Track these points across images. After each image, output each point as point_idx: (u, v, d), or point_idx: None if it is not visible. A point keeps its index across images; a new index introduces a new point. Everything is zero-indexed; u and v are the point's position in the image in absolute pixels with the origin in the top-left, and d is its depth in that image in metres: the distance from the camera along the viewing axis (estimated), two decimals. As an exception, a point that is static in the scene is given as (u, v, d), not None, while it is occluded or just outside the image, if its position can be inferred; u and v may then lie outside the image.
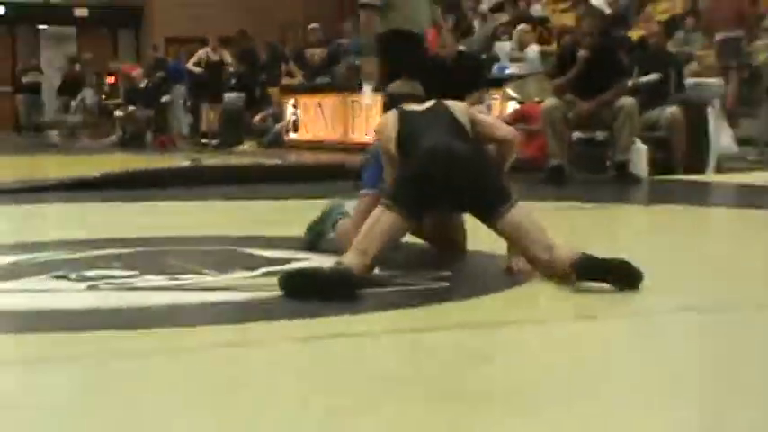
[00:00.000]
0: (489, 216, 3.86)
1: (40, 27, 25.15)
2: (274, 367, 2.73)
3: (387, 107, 4.45)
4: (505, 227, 3.82)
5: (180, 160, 11.73)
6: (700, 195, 7.64)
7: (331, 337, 3.00)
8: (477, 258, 4.41)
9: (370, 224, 3.86)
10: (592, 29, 8.26)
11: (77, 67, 21.72)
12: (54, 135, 19.97)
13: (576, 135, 8.80)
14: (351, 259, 3.73)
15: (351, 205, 4.66)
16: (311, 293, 3.46)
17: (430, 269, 4.06)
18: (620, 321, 3.29)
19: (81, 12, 24.51)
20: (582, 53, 8.18)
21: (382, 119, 4.30)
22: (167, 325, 3.22)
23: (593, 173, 8.93)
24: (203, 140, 16.23)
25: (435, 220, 4.42)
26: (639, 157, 8.45)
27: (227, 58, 16.38)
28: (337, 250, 4.16)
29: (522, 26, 12.40)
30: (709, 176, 8.84)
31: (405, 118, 4.18)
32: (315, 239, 4.71)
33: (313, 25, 17.69)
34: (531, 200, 4.52)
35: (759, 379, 2.54)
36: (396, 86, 4.55)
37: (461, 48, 9.82)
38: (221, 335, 3.08)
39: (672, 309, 3.40)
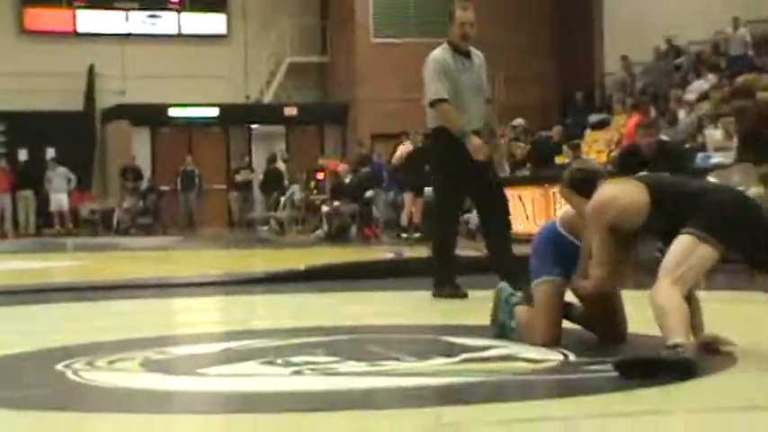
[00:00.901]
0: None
1: (252, 126, 26.29)
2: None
3: (575, 185, 4.44)
4: None
5: (383, 253, 11.98)
6: None
7: (529, 421, 3.04)
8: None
9: (681, 254, 3.92)
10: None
11: (279, 164, 22.53)
12: (264, 230, 20.71)
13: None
14: (674, 305, 3.78)
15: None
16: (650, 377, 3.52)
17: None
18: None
19: (290, 111, 25.49)
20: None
21: (606, 192, 4.23)
22: (363, 408, 3.32)
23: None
24: (404, 234, 16.49)
25: (596, 304, 4.46)
26: None
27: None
28: (524, 340, 4.34)
29: (730, 114, 12.17)
30: None
31: (659, 180, 4.24)
32: (500, 331, 4.73)
33: (516, 121, 17.85)
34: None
35: None
36: (581, 163, 4.56)
37: (663, 137, 9.72)
38: (416, 418, 3.16)
39: None
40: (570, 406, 3.26)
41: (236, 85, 25.89)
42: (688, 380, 3.54)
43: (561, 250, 4.48)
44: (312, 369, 4.05)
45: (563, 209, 4.75)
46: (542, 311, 4.50)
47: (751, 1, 21.17)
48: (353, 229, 18.01)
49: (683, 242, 3.96)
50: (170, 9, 25.81)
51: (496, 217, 7.03)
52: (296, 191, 21.00)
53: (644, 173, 4.45)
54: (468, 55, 7.01)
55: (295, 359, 4.25)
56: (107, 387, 3.80)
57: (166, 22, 25.78)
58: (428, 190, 16.70)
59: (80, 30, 25.28)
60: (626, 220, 4.16)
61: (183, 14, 25.83)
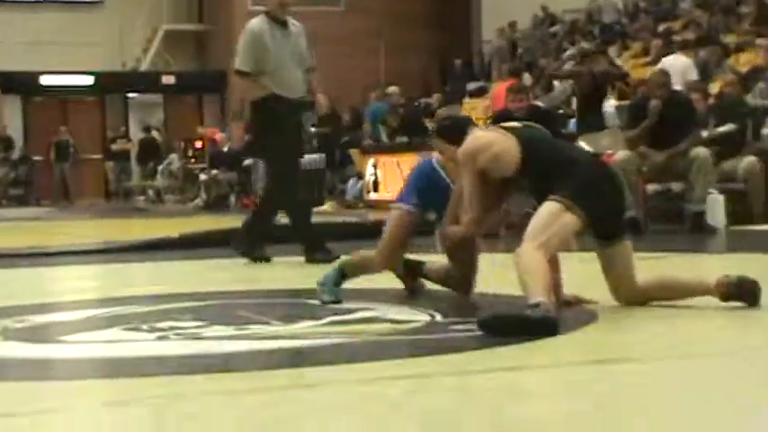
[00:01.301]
0: (613, 237, 4.18)
1: (129, 95, 25.83)
2: (323, 408, 2.79)
3: (444, 133, 4.52)
4: (623, 250, 4.19)
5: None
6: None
7: (387, 380, 3.06)
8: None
9: (546, 220, 3.98)
10: (663, 80, 8.27)
11: (154, 133, 22.23)
12: (141, 200, 20.41)
13: (652, 187, 8.77)
14: (533, 262, 3.84)
15: None
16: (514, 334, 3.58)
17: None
18: (661, 365, 3.28)
19: (168, 79, 25.13)
20: (654, 104, 8.19)
21: (481, 137, 4.29)
22: (226, 370, 3.30)
23: (669, 224, 8.88)
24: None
25: (459, 254, 4.63)
26: (716, 207, 8.39)
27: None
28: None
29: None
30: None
31: (530, 137, 4.28)
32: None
33: (391, 88, 17.90)
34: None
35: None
36: (449, 111, 4.65)
37: (536, 102, 9.84)
38: (275, 379, 3.15)
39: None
40: (430, 364, 3.29)
41: (112, 52, 25.38)
42: (548, 337, 3.60)
43: (431, 185, 4.68)
44: (177, 334, 4.01)
45: None
46: (387, 234, 4.76)
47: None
48: (232, 198, 17.87)
49: (548, 208, 4.03)
50: (44, -26, 25.15)
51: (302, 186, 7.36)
52: (173, 160, 20.74)
53: (516, 124, 4.48)
54: (285, 24, 7.07)
55: (160, 324, 4.21)
56: (-39, 356, 3.70)
57: (38, -14, 25.11)
58: (310, 157, 16.70)
59: (-54, -6, 24.49)
60: (497, 168, 4.21)
61: (56, -21, 25.19)
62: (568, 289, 4.37)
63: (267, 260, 7.01)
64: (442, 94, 19.67)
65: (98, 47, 24.79)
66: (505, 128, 4.37)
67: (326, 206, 15.50)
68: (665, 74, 8.53)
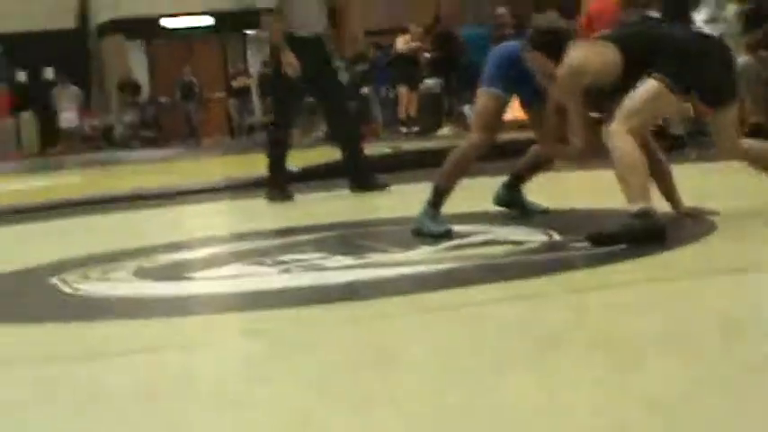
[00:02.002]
0: (720, 104, 4.13)
1: (247, 32, 26.08)
2: (438, 330, 2.86)
3: (543, 46, 4.38)
4: (727, 116, 4.15)
5: (381, 148, 12.00)
6: None
7: (509, 299, 3.11)
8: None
9: (644, 99, 3.96)
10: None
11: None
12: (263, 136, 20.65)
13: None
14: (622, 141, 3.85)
15: None
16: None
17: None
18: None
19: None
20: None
21: (576, 58, 4.19)
22: (348, 299, 3.40)
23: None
24: (403, 128, 16.48)
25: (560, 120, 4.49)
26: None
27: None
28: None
29: (717, -14, 12.03)
30: None
31: (626, 35, 4.24)
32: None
33: (500, 9, 17.65)
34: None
35: None
36: (548, 22, 4.50)
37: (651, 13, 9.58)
38: (394, 306, 3.24)
39: None
40: (545, 284, 3.33)
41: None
42: (663, 248, 3.61)
43: (518, 73, 4.51)
44: (300, 266, 4.12)
45: None
46: (481, 115, 4.69)
47: None
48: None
49: (647, 88, 3.98)
50: None
51: (342, 116, 7.35)
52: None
53: (607, 31, 4.42)
54: None
55: (284, 257, 4.33)
56: (98, 296, 3.89)
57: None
58: (426, 81, 16.70)
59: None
60: (599, 82, 4.16)
61: None
62: (689, 201, 4.34)
63: (290, 198, 7.05)
64: (560, 9, 19.31)
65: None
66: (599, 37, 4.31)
67: (444, 130, 15.50)
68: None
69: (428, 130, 15.70)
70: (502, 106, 4.70)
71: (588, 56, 4.17)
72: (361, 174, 7.20)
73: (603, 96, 4.21)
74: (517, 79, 4.57)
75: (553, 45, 4.32)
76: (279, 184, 7.11)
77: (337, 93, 7.44)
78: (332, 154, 9.30)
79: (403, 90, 16.64)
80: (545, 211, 4.95)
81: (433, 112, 16.37)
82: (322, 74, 7.13)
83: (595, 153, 4.39)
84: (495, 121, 4.70)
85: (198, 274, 4.19)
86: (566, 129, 4.36)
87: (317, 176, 8.43)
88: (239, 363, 2.75)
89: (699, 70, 4.05)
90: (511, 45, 4.78)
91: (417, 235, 4.53)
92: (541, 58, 4.36)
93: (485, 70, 4.76)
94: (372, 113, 18.43)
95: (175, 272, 4.29)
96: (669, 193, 4.33)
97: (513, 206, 5.02)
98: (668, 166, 4.36)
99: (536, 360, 2.42)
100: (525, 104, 4.80)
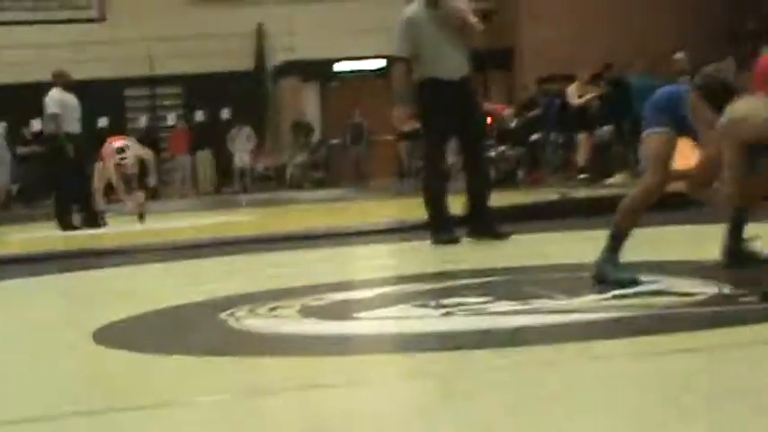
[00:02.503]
0: None
1: (417, 76, 26.38)
2: (610, 380, 2.81)
3: (708, 94, 4.35)
4: None
5: (549, 195, 11.94)
6: None
7: (681, 352, 3.05)
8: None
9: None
10: None
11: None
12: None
13: None
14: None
15: None
16: None
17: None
18: None
19: (455, 58, 25.45)
20: None
21: (739, 109, 4.16)
22: (512, 344, 3.38)
23: None
24: (581, 175, 16.26)
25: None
26: None
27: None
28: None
29: None
30: None
31: None
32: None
33: (678, 55, 17.36)
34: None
35: None
36: (722, 73, 4.42)
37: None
38: (562, 353, 3.20)
39: None
40: (717, 337, 3.24)
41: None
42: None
43: (682, 113, 4.48)
44: (463, 310, 4.12)
45: None
46: (653, 158, 4.59)
47: None
48: (520, 174, 17.92)
49: None
50: (332, -35, 26.02)
51: (478, 161, 7.33)
52: (460, 138, 20.98)
53: None
54: (435, 4, 7.08)
55: (447, 301, 4.34)
56: (265, 333, 3.97)
57: (331, -23, 26.01)
58: (598, 130, 16.55)
59: (246, -8, 25.83)
60: (760, 137, 4.06)
61: (346, -31, 26.01)
62: None
63: (456, 241, 7.00)
64: (734, 57, 18.90)
65: (386, 31, 25.44)
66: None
67: (615, 178, 15.29)
68: None
69: (598, 177, 15.52)
70: (671, 145, 4.63)
71: (752, 110, 4.08)
72: (484, 222, 7.13)
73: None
74: (682, 120, 4.52)
75: (719, 95, 4.29)
76: (444, 227, 7.12)
77: (477, 139, 7.42)
78: (502, 198, 9.32)
79: (583, 137, 16.44)
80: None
81: (604, 160, 16.19)
82: (465, 119, 7.14)
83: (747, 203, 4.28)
84: (668, 160, 4.63)
85: (362, 314, 4.23)
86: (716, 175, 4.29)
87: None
88: (403, 403, 2.76)
89: None
90: (672, 87, 4.78)
91: (600, 282, 4.46)
92: (702, 104, 4.33)
93: (645, 114, 4.72)
94: (541, 160, 18.33)
95: (340, 311, 4.34)
96: None
97: (742, 256, 4.78)
98: None
99: (704, 414, 2.35)
100: (697, 142, 4.71)
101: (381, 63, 25.66)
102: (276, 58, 25.39)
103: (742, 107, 4.11)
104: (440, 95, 7.05)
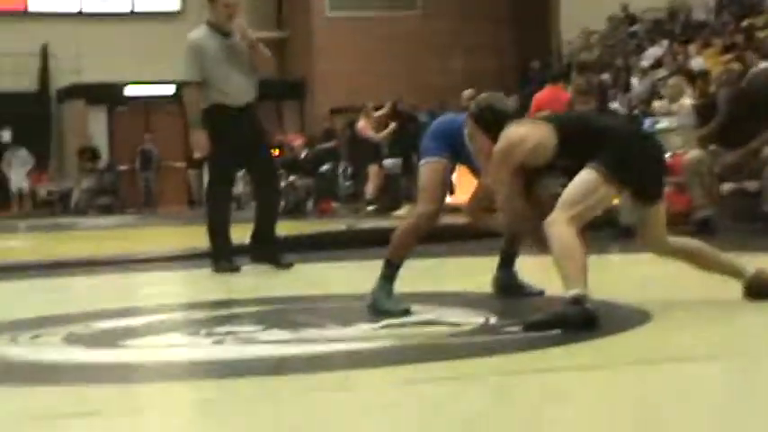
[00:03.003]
0: (651, 200, 4.21)
1: (211, 103, 26.17)
2: (362, 409, 2.82)
3: (482, 123, 4.37)
4: (657, 212, 4.24)
5: (336, 225, 12.02)
6: None
7: (431, 381, 3.08)
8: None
9: (583, 190, 4.01)
10: (731, 78, 8.16)
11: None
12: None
13: (727, 186, 8.64)
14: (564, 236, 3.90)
15: None
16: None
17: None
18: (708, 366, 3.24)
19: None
20: (722, 101, 8.09)
21: (513, 134, 4.22)
22: (275, 374, 3.35)
23: (744, 223, 8.73)
24: (370, 207, 16.44)
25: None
26: (793, 206, 8.22)
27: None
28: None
29: (672, 79, 12.26)
30: None
31: (564, 118, 4.34)
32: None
33: (467, 92, 17.86)
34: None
35: None
36: (494, 101, 4.45)
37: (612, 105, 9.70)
38: (321, 382, 3.19)
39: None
40: (473, 366, 3.31)
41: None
42: (595, 336, 3.61)
43: (461, 143, 4.52)
44: (234, 338, 4.07)
45: None
46: (425, 188, 4.64)
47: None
48: (309, 204, 18.01)
49: (587, 178, 4.02)
50: (122, -14, 25.57)
51: (267, 189, 7.29)
52: (252, 167, 20.92)
53: (548, 113, 4.50)
54: (229, 34, 7.10)
55: (219, 329, 4.28)
56: (23, 361, 3.81)
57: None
58: (387, 161, 16.81)
59: (31, 9, 25.05)
60: (533, 160, 4.18)
61: (136, -9, 25.62)
62: (629, 289, 4.35)
63: (236, 270, 6.96)
64: (520, 96, 19.59)
65: (179, 56, 25.13)
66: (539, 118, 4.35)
67: (402, 211, 15.54)
68: (732, 71, 8.41)
69: (387, 209, 15.75)
70: (446, 175, 4.69)
71: (523, 136, 4.19)
72: (268, 250, 7.11)
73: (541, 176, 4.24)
74: (461, 149, 4.58)
75: (492, 123, 4.33)
76: (224, 256, 7.05)
77: (266, 165, 7.39)
78: (289, 227, 9.31)
79: (373, 169, 16.59)
80: (540, 293, 4.86)
81: (393, 192, 16.45)
82: (253, 145, 7.11)
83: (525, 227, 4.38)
84: (441, 190, 4.69)
85: (129, 342, 4.12)
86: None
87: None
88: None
89: (637, 166, 4.11)
90: (449, 116, 4.83)
91: (373, 312, 4.49)
92: (479, 133, 4.38)
93: (423, 143, 4.76)
94: (332, 191, 18.46)
95: (107, 339, 4.22)
96: (722, 269, 4.34)
97: (511, 288, 4.94)
98: (702, 247, 4.39)
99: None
100: (474, 172, 4.81)
101: (172, 88, 25.36)
102: (62, 79, 24.70)
103: (515, 131, 4.22)
104: (226, 122, 6.99)
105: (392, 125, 16.98)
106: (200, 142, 6.97)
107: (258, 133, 7.23)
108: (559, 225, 3.93)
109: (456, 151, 4.65)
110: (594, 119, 4.39)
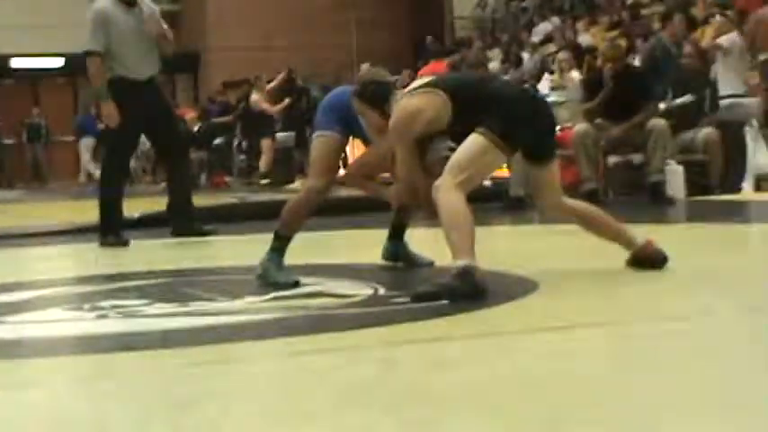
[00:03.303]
0: (543, 160, 4.27)
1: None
2: (248, 381, 2.81)
3: (368, 97, 4.39)
4: (550, 171, 4.31)
5: (229, 199, 11.92)
6: (736, 214, 7.58)
7: (317, 352, 3.08)
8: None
9: (471, 155, 4.02)
10: (616, 54, 8.30)
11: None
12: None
13: (612, 159, 8.80)
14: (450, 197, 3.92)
15: None
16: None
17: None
18: (596, 331, 3.30)
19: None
20: (607, 77, 8.22)
21: (408, 106, 4.20)
22: (160, 347, 3.31)
23: (629, 195, 8.92)
24: (263, 180, 16.34)
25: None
26: (675, 178, 8.43)
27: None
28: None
29: (560, 54, 12.42)
30: (747, 196, 8.77)
31: (456, 83, 4.31)
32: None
33: (363, 66, 17.85)
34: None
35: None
36: (374, 74, 4.52)
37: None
38: (206, 355, 3.16)
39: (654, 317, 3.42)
40: (360, 337, 3.31)
41: (83, 34, 25.19)
42: (482, 305, 3.65)
43: (352, 115, 4.53)
44: (118, 312, 4.01)
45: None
46: (316, 160, 4.66)
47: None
48: (203, 177, 17.84)
49: (475, 143, 4.04)
50: (11, -45, 24.79)
51: (178, 160, 7.31)
52: (144, 141, 20.63)
53: (441, 75, 4.53)
54: (131, 4, 7.03)
55: (103, 303, 4.21)
56: None
57: (6, -32, 24.79)
58: (280, 135, 16.73)
59: None
60: (430, 130, 4.20)
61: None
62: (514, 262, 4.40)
63: (125, 244, 6.91)
64: (413, 71, 19.64)
65: (69, 28, 24.57)
66: (428, 83, 4.32)
67: (296, 184, 15.49)
68: (616, 47, 8.55)
69: (280, 183, 15.68)
70: (339, 148, 4.71)
71: (419, 106, 4.20)
72: (186, 219, 7.10)
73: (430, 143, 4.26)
74: (353, 121, 4.58)
75: (377, 96, 4.37)
76: (113, 230, 6.95)
77: (174, 137, 7.32)
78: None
79: (267, 142, 16.48)
80: (430, 264, 4.88)
81: (286, 166, 16.38)
82: (158, 118, 7.02)
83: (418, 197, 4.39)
84: (333, 164, 4.72)
85: (10, 318, 4.03)
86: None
87: (158, 223, 8.28)
88: (34, 406, 2.63)
89: (525, 128, 4.14)
90: (342, 89, 4.83)
91: (262, 282, 4.49)
92: (367, 109, 4.40)
93: (316, 118, 4.77)
94: (226, 164, 18.31)
95: (-14, 315, 4.11)
96: (615, 237, 4.39)
97: (401, 259, 4.98)
98: (598, 213, 4.46)
99: (333, 413, 2.38)
100: (367, 145, 4.81)
101: (60, 61, 24.80)
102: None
103: (411, 102, 4.22)
104: (127, 94, 6.88)
105: (286, 100, 16.88)
106: (112, 114, 6.84)
107: (163, 106, 7.15)
108: (447, 191, 3.95)
109: (348, 124, 4.66)
110: (483, 83, 4.38)
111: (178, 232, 7.14)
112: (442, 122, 4.18)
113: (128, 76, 6.92)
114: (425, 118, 4.17)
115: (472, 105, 4.14)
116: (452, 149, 4.13)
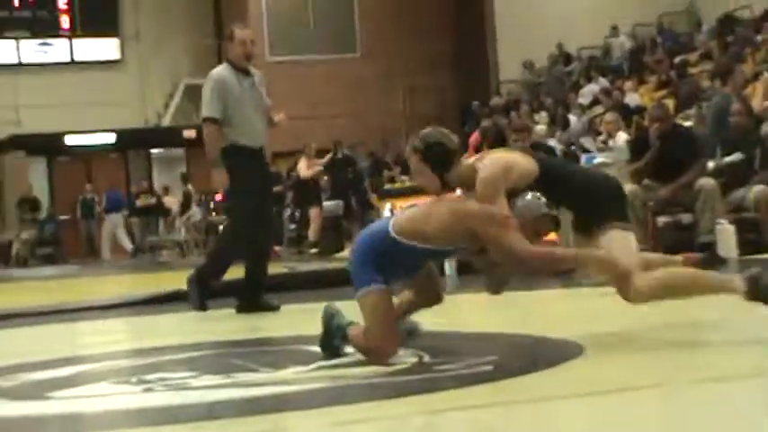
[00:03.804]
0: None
1: (152, 151, 26.03)
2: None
3: (430, 158, 4.11)
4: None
5: (279, 269, 11.94)
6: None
7: (360, 422, 3.06)
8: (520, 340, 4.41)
9: (626, 248, 4.10)
10: (660, 114, 8.28)
11: (189, 187, 22.31)
12: (164, 254, 20.48)
13: (662, 219, 8.74)
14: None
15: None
16: None
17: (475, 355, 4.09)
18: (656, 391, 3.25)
19: (189, 133, 25.28)
20: (653, 137, 8.19)
21: (502, 159, 4.18)
22: (207, 419, 3.31)
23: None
24: (312, 250, 16.38)
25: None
26: (726, 237, 8.33)
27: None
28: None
29: (607, 116, 12.43)
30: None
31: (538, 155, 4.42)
32: (334, 353, 4.35)
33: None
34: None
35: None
36: (441, 136, 4.13)
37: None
38: (252, 426, 3.16)
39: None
40: (404, 405, 3.29)
41: (134, 109, 25.62)
42: (526, 371, 3.62)
43: (389, 254, 4.10)
44: (165, 385, 4.02)
45: (400, 214, 4.33)
46: (374, 321, 4.10)
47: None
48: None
49: (619, 240, 4.12)
50: (61, 36, 25.35)
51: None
52: (195, 213, 20.84)
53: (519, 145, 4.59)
54: (248, 73, 7.09)
55: (149, 377, 4.22)
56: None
57: (58, 49, 25.30)
58: (328, 204, 16.81)
59: (-29, 60, 24.85)
60: (520, 185, 4.15)
61: (75, 40, 25.39)
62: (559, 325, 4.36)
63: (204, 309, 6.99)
64: (461, 136, 19.70)
65: (120, 105, 25.02)
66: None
67: (346, 252, 15.53)
68: (662, 107, 8.53)
69: (329, 252, 15.73)
70: (390, 299, 4.19)
71: (511, 158, 4.20)
72: (258, 294, 7.08)
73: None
74: (393, 260, 4.11)
75: (441, 159, 4.09)
76: (205, 296, 7.06)
77: (269, 210, 7.39)
78: (234, 273, 9.22)
79: (315, 211, 16.59)
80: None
81: (335, 234, 16.45)
82: (263, 189, 7.07)
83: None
84: (393, 315, 4.23)
85: (57, 394, 4.05)
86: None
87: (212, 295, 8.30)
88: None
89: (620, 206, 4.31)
90: (366, 234, 4.25)
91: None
92: (424, 166, 4.14)
93: (353, 271, 4.19)
94: (277, 234, 18.40)
95: (35, 391, 4.14)
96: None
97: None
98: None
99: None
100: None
101: (112, 137, 25.20)
102: (1, 131, 24.42)
103: (501, 155, 4.24)
104: (246, 161, 6.91)
105: (325, 158, 16.99)
106: (224, 181, 6.90)
107: (269, 176, 7.22)
108: (642, 281, 4.04)
109: (385, 268, 4.11)
110: (567, 164, 4.55)
111: (246, 307, 7.01)
112: (529, 179, 4.17)
113: (245, 144, 6.97)
114: (518, 171, 4.13)
115: (560, 173, 4.32)
116: (549, 207, 4.12)
